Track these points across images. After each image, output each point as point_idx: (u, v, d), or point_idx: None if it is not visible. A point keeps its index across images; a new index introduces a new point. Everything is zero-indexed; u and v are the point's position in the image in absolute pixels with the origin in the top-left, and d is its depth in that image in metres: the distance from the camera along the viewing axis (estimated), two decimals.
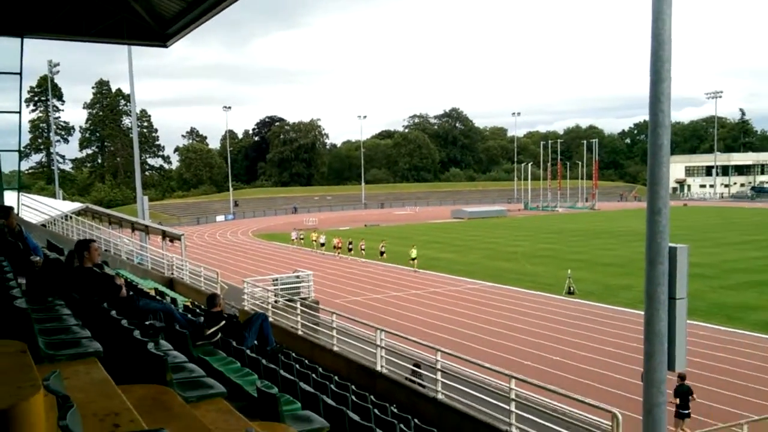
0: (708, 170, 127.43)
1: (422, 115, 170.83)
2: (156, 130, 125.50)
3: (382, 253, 41.50)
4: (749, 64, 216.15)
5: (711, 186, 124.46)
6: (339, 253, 45.67)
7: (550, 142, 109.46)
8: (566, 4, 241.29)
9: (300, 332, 15.22)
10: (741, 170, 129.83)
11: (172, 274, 23.75)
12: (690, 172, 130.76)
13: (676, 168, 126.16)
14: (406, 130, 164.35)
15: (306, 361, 12.30)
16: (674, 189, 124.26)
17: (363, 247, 44.08)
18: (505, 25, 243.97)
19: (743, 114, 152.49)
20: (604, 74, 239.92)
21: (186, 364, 4.82)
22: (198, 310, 12.78)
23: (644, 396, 9.86)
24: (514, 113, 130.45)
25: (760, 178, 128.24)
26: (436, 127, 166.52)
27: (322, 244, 48.94)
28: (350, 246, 45.17)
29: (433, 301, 28.83)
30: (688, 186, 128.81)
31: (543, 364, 18.32)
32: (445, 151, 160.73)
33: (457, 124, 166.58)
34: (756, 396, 15.14)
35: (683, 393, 14.42)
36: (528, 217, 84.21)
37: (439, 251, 46.73)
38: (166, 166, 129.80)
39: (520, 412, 9.39)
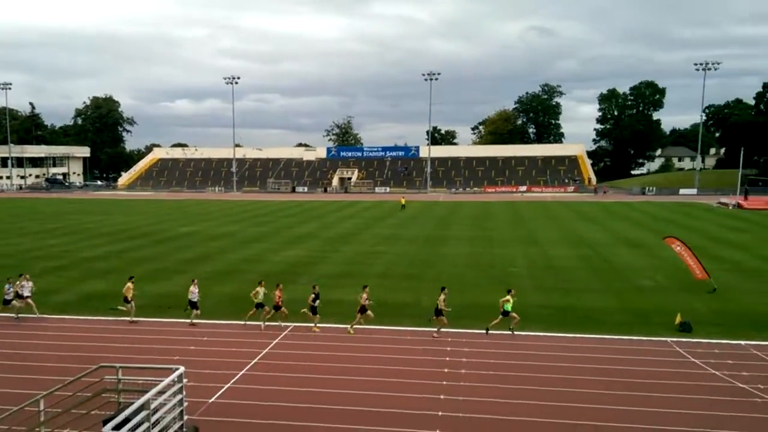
0: (3, 161, 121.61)
1: None
2: None
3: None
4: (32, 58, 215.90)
5: (8, 177, 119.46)
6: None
7: None
8: None
9: None
10: (35, 162, 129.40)
11: None
12: None
13: None
14: None
15: None
16: None
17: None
18: None
19: (33, 108, 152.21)
20: None
21: None
22: None
23: None
24: None
25: (53, 169, 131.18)
26: None
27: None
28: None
29: None
30: None
31: None
32: None
33: None
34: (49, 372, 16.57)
35: None
36: None
37: None
38: None
39: None
